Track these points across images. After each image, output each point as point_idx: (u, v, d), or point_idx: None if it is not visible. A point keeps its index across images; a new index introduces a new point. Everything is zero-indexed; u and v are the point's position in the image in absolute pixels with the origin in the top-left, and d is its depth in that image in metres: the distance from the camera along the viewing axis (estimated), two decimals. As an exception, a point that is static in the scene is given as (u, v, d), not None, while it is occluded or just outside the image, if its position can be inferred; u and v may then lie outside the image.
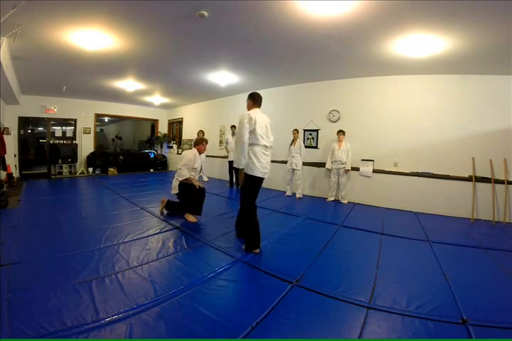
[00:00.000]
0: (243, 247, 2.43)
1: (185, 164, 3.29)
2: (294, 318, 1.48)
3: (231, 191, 5.69)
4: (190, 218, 3.25)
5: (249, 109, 2.47)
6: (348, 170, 4.70)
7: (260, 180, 2.39)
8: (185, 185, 3.27)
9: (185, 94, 7.26)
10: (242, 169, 2.38)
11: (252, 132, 2.30)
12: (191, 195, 3.27)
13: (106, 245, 2.41)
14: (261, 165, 2.33)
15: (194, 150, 3.46)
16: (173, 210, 3.57)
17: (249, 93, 2.52)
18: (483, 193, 3.87)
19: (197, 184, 3.30)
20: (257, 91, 2.52)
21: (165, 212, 3.58)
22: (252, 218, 2.41)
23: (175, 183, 3.36)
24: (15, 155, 6.62)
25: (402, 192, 4.42)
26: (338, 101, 5.06)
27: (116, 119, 11.44)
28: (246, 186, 2.41)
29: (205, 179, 6.84)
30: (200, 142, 3.54)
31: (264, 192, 5.54)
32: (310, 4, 2.40)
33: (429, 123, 4.23)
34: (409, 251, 2.61)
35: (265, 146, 2.38)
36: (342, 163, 4.69)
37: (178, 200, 3.49)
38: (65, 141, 7.79)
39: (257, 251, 2.36)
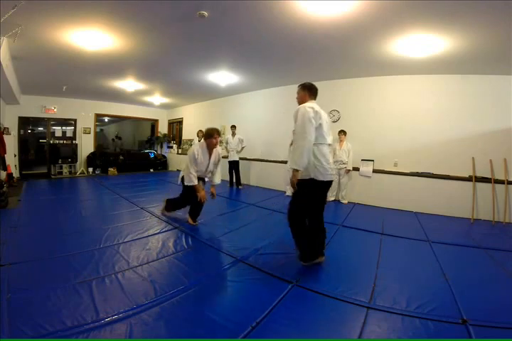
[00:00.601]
0: (299, 258, 2.15)
1: (190, 166, 2.86)
2: (294, 318, 1.47)
3: (231, 191, 5.69)
4: (190, 220, 3.17)
5: (302, 103, 2.10)
6: (349, 170, 4.70)
7: (328, 184, 2.06)
8: (190, 188, 2.97)
9: (185, 94, 7.26)
10: (298, 171, 1.92)
11: (317, 129, 1.95)
12: (191, 200, 3.07)
13: (106, 245, 2.41)
14: (330, 167, 2.03)
15: (198, 146, 2.97)
16: (172, 206, 3.40)
17: (301, 84, 2.18)
18: (483, 193, 3.87)
19: (200, 195, 2.91)
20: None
21: (167, 213, 3.45)
22: (305, 228, 2.11)
23: (181, 174, 3.10)
24: (15, 155, 6.62)
25: (402, 192, 4.42)
26: (338, 101, 5.06)
27: (116, 119, 11.43)
28: (305, 195, 2.00)
29: (206, 179, 6.82)
30: (211, 134, 2.91)
31: (264, 192, 5.58)
32: (310, 4, 2.40)
33: (429, 123, 4.23)
34: (409, 251, 2.60)
35: (329, 145, 2.07)
36: (343, 163, 4.70)
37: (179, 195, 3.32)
38: (65, 141, 7.78)
39: (322, 259, 2.12)
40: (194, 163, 2.90)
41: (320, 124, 1.95)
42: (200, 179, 3.13)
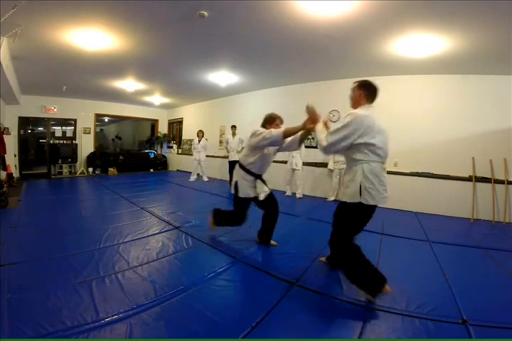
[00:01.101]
0: (365, 291, 1.69)
1: (266, 137, 2.19)
2: (294, 318, 1.48)
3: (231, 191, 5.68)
4: (211, 223, 2.74)
5: (357, 105, 1.80)
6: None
7: (376, 206, 1.69)
8: (245, 200, 2.53)
9: (185, 94, 7.26)
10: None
11: (367, 145, 1.61)
12: (239, 210, 2.58)
13: (106, 245, 2.41)
14: (384, 188, 1.67)
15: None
16: (223, 221, 2.74)
17: (358, 80, 1.84)
18: (483, 193, 3.87)
19: (313, 118, 2.10)
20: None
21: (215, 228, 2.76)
22: (358, 251, 1.73)
23: (234, 180, 2.57)
24: (15, 155, 6.62)
25: (402, 192, 4.41)
26: (338, 101, 5.04)
27: (116, 119, 11.43)
28: (354, 217, 1.70)
29: (206, 179, 6.84)
30: (271, 120, 2.46)
31: (264, 192, 5.56)
32: (310, 4, 2.40)
33: (429, 123, 4.22)
34: (409, 251, 2.61)
35: (382, 162, 1.70)
36: (344, 163, 4.69)
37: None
38: (65, 141, 7.79)
39: (388, 289, 1.66)
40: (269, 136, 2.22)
41: (372, 137, 1.62)
42: (257, 177, 2.49)
